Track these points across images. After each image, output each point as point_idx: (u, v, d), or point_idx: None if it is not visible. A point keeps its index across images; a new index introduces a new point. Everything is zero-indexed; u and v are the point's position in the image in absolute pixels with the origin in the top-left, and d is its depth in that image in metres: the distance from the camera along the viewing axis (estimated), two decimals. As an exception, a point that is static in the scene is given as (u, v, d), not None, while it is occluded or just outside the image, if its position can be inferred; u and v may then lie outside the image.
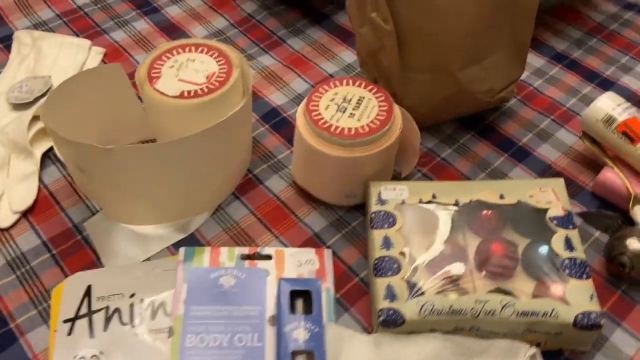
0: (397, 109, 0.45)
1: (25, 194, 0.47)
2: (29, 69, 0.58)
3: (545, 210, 0.42)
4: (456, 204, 0.43)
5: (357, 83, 0.45)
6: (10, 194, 0.47)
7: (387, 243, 0.41)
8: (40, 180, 0.49)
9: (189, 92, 0.45)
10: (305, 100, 0.45)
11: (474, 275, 0.40)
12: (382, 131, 0.42)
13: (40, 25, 0.64)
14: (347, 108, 0.44)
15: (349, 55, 0.62)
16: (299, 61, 0.61)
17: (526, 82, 0.59)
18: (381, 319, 0.37)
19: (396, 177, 0.50)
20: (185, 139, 0.40)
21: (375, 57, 0.49)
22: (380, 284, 0.39)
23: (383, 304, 0.38)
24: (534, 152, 0.53)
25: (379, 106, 0.44)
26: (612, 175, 0.47)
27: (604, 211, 0.46)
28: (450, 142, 0.53)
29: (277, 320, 0.39)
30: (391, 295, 0.38)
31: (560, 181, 0.44)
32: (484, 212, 0.43)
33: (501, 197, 0.43)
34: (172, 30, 0.64)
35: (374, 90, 0.45)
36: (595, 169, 0.51)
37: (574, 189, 0.50)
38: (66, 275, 0.43)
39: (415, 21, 0.44)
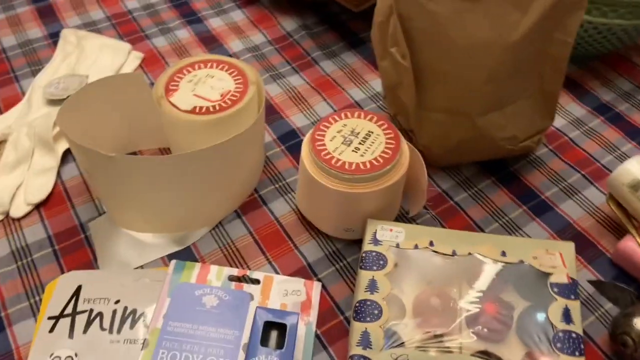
0: (405, 148, 0.43)
1: (41, 188, 0.49)
2: (70, 67, 0.60)
3: (547, 275, 0.39)
4: (453, 254, 0.41)
5: (368, 117, 0.44)
6: (27, 185, 0.49)
7: (372, 286, 0.39)
8: (59, 175, 0.51)
9: (200, 108, 0.45)
10: (314, 128, 0.44)
11: (463, 332, 0.38)
12: (383, 170, 0.41)
13: (89, 25, 0.67)
14: (352, 141, 0.43)
15: (378, 84, 0.61)
16: (327, 85, 0.61)
17: (562, 131, 0.56)
18: (351, 365, 0.36)
19: (404, 215, 0.48)
20: (187, 155, 0.41)
21: (394, 91, 0.48)
22: (357, 329, 0.37)
23: (355, 350, 0.36)
24: (556, 208, 0.50)
25: (386, 143, 0.43)
26: (634, 245, 0.44)
27: (618, 283, 0.43)
28: (467, 186, 0.51)
29: (247, 349, 0.38)
30: (366, 342, 0.37)
31: (570, 246, 0.41)
32: (485, 267, 0.40)
33: (503, 254, 0.41)
34: (210, 42, 0.66)
35: (384, 127, 0.44)
36: (620, 234, 0.47)
37: (592, 254, 0.47)
38: (62, 272, 0.44)
39: (434, 60, 0.43)
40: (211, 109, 0.45)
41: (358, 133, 0.43)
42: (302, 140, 0.55)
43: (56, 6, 0.69)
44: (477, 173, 0.52)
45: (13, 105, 0.57)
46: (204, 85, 0.47)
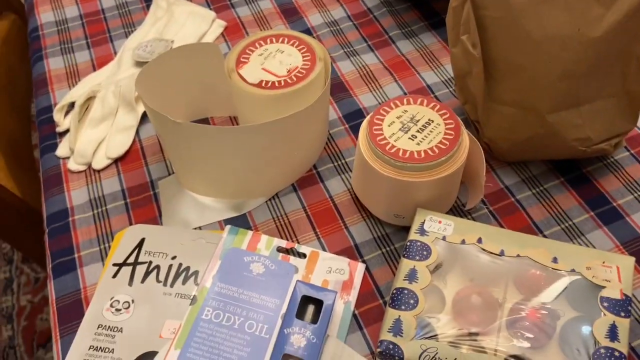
0: (465, 140, 0.42)
1: (121, 144, 0.53)
2: (158, 31, 0.64)
3: (600, 288, 0.38)
4: (501, 254, 0.40)
5: (431, 104, 0.44)
6: (109, 141, 0.54)
7: (412, 275, 0.39)
8: (137, 133, 0.55)
9: (267, 82, 0.46)
10: (374, 111, 0.44)
11: (502, 333, 0.37)
12: (437, 161, 0.40)
13: (181, -9, 0.70)
14: (410, 128, 0.42)
15: (456, 68, 0.59)
16: (401, 65, 0.60)
17: (648, 135, 0.52)
18: (379, 350, 0.37)
19: (459, 208, 0.48)
20: (248, 128, 0.42)
21: (463, 80, 0.46)
22: (391, 315, 0.38)
23: (386, 336, 0.37)
24: (627, 217, 0.47)
25: (445, 134, 0.42)
26: None
27: (682, 307, 0.40)
28: (532, 185, 0.49)
29: (283, 319, 0.40)
30: (397, 329, 0.37)
31: (630, 260, 0.38)
32: (533, 271, 0.39)
33: (554, 260, 0.39)
34: (291, 14, 0.66)
35: (446, 116, 0.43)
36: (696, 254, 0.44)
37: (658, 272, 0.44)
38: (131, 224, 0.48)
39: (506, 52, 0.41)
40: (277, 84, 0.46)
41: (418, 120, 0.43)
42: (367, 120, 0.55)
43: (153, -29, 0.72)
44: (545, 171, 0.50)
45: (106, 64, 0.62)
46: (273, 59, 0.48)
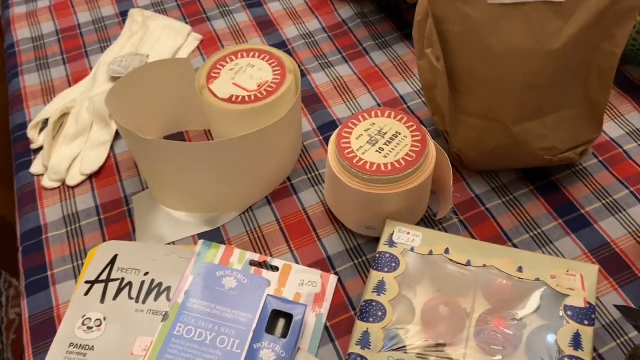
0: (432, 151, 0.43)
1: (95, 160, 0.54)
2: (134, 45, 0.64)
3: (563, 296, 0.38)
4: (467, 264, 0.40)
5: (398, 117, 0.44)
6: (83, 157, 0.54)
7: (380, 287, 0.40)
8: (111, 148, 0.55)
9: (237, 97, 0.47)
10: (342, 124, 0.45)
11: (469, 343, 0.38)
12: (404, 172, 0.41)
13: (157, 5, 0.70)
14: (378, 141, 0.43)
15: (428, 78, 0.60)
16: (374, 76, 0.60)
17: (616, 142, 0.53)
18: (347, 362, 0.37)
19: (430, 218, 0.48)
20: (219, 143, 0.43)
21: (431, 91, 0.47)
22: (359, 327, 0.38)
23: (354, 348, 0.37)
24: (595, 224, 0.47)
25: (412, 145, 0.42)
26: (670, 274, 0.41)
27: (646, 312, 0.41)
28: (502, 193, 0.50)
29: (253, 334, 0.40)
30: (365, 341, 0.37)
31: (594, 268, 0.39)
32: (499, 280, 0.40)
33: (519, 269, 0.40)
34: (266, 26, 0.67)
35: (412, 128, 0.43)
36: (661, 260, 0.44)
37: (628, 277, 0.44)
38: (104, 240, 0.49)
39: (469, 64, 0.41)
40: (247, 99, 0.47)
41: (385, 133, 0.43)
42: (341, 131, 0.56)
43: (129, -15, 0.73)
44: (515, 180, 0.51)
45: (81, 79, 0.62)
46: (243, 74, 0.49)
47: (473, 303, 0.39)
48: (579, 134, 0.45)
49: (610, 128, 0.54)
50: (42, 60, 0.65)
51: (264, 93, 0.47)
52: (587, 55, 0.40)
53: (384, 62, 0.62)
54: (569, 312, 0.37)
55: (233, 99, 0.47)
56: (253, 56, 0.50)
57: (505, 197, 0.50)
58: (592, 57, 0.40)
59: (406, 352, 0.37)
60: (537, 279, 0.39)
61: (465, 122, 0.45)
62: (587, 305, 0.37)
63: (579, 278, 0.39)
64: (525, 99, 0.41)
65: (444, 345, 0.37)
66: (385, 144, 0.43)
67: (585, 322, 0.37)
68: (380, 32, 0.65)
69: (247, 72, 0.49)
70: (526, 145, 0.44)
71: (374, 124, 0.44)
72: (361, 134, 0.43)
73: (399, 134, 0.43)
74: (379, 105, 0.58)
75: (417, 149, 0.42)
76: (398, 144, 0.42)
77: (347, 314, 0.43)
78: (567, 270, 0.39)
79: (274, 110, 0.47)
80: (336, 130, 0.45)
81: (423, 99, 0.58)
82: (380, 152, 0.42)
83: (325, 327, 0.43)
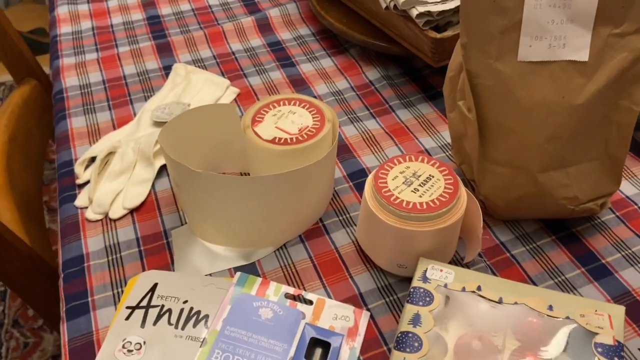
0: (463, 195, 0.46)
1: (138, 195, 0.56)
2: (176, 96, 0.69)
3: (593, 334, 0.40)
4: (499, 301, 0.42)
5: (431, 162, 0.47)
6: (126, 192, 0.57)
7: (416, 320, 0.41)
8: (153, 186, 0.58)
9: (279, 139, 0.50)
10: (379, 166, 0.48)
11: (501, 379, 0.39)
12: (439, 212, 0.44)
13: (198, 62, 0.76)
14: (413, 182, 0.46)
15: (449, 134, 0.64)
16: (400, 131, 0.65)
17: (631, 199, 0.56)
18: (385, 390, 0.38)
19: (458, 261, 0.50)
20: (263, 178, 0.46)
21: (460, 142, 0.50)
22: (396, 358, 0.39)
23: (391, 376, 0.38)
24: (616, 274, 0.49)
25: (445, 188, 0.45)
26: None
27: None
28: (526, 241, 0.52)
29: (292, 361, 0.41)
30: (402, 370, 0.39)
31: (621, 309, 0.41)
32: (529, 319, 0.41)
33: (550, 308, 0.41)
34: (298, 84, 0.72)
35: (445, 172, 0.47)
36: (683, 308, 0.46)
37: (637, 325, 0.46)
38: (144, 270, 0.50)
39: (498, 116, 0.45)
40: (289, 141, 0.50)
41: (419, 176, 0.46)
42: (370, 180, 0.59)
43: (173, 43, 0.79)
44: (538, 230, 0.53)
45: (125, 123, 0.66)
46: (285, 119, 0.52)
47: (504, 340, 0.41)
48: (600, 186, 0.48)
49: (625, 186, 0.57)
50: (89, 106, 0.69)
51: (305, 137, 0.51)
52: (607, 111, 0.44)
53: (409, 119, 0.66)
54: (599, 349, 0.39)
55: (276, 140, 0.50)
56: (295, 104, 0.54)
57: (529, 245, 0.52)
58: (612, 114, 0.44)
59: (442, 383, 0.38)
60: (568, 318, 0.41)
61: (493, 171, 0.48)
62: (617, 343, 0.39)
63: (607, 318, 0.40)
64: (551, 149, 0.45)
65: (478, 378, 0.39)
66: (420, 185, 0.46)
67: (616, 358, 0.38)
68: (405, 93, 0.70)
69: (289, 118, 0.53)
70: (550, 195, 0.47)
71: (408, 167, 0.47)
72: (397, 176, 0.46)
73: (433, 176, 0.46)
74: (406, 157, 0.61)
75: (450, 191, 0.45)
76: (432, 185, 0.45)
77: (380, 349, 0.45)
78: (596, 310, 0.41)
79: (313, 153, 0.51)
80: (373, 172, 0.48)
81: (447, 153, 0.61)
82: (415, 192, 0.45)
83: (359, 361, 0.44)
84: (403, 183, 0.46)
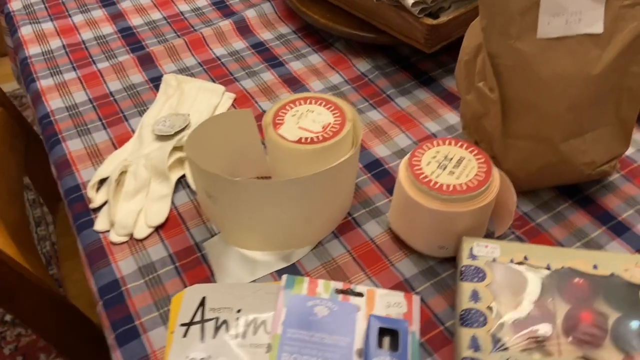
0: (495, 172, 0.48)
1: (159, 212, 0.55)
2: (172, 107, 0.67)
3: (638, 287, 0.43)
4: (547, 268, 0.44)
5: (458, 144, 0.49)
6: (147, 210, 0.55)
7: (475, 296, 0.43)
8: (172, 202, 0.57)
9: (306, 138, 0.51)
10: (408, 155, 0.49)
11: (560, 339, 0.41)
12: (478, 190, 0.45)
13: (184, 71, 0.74)
14: (447, 166, 0.47)
15: (452, 117, 0.66)
16: (404, 119, 0.66)
17: (631, 158, 0.60)
18: (463, 366, 0.39)
19: (489, 236, 0.52)
20: (300, 179, 0.46)
21: (478, 121, 0.52)
22: (465, 334, 0.41)
23: (467, 352, 0.40)
24: (634, 228, 0.53)
25: (478, 167, 0.47)
26: None
27: None
28: (547, 209, 0.55)
29: (364, 353, 0.42)
30: (475, 345, 0.40)
31: (658, 259, 0.44)
32: (576, 280, 0.44)
33: (594, 267, 0.44)
34: (292, 83, 0.72)
35: (474, 152, 0.48)
36: (699, 252, 0.50)
37: (674, 270, 0.49)
38: (185, 286, 0.50)
39: (520, 92, 0.47)
40: (315, 139, 0.51)
41: (451, 158, 0.48)
42: (386, 169, 0.60)
43: (154, 54, 0.77)
44: (555, 197, 0.56)
45: (125, 141, 0.64)
46: (306, 119, 0.53)
47: (554, 303, 0.43)
48: (613, 149, 0.51)
49: (622, 147, 0.61)
50: (82, 127, 0.66)
51: (330, 134, 0.51)
52: (620, 78, 0.47)
53: (409, 106, 0.68)
54: (648, 298, 0.42)
55: (302, 140, 0.51)
56: (311, 103, 0.54)
57: (551, 212, 0.55)
58: (624, 80, 0.47)
59: (511, 351, 0.40)
60: (612, 274, 0.43)
61: (515, 145, 0.51)
62: (662, 291, 0.42)
63: (648, 268, 0.43)
64: (571, 119, 0.47)
65: (542, 341, 0.41)
66: (454, 167, 0.47)
67: (664, 305, 0.41)
68: (398, 82, 0.72)
69: (309, 117, 0.53)
70: (570, 162, 0.50)
71: (438, 151, 0.49)
72: (430, 161, 0.48)
73: (464, 158, 0.48)
74: (415, 143, 0.63)
75: (484, 169, 0.47)
76: (466, 167, 0.47)
77: (437, 329, 0.46)
78: (637, 263, 0.44)
79: (340, 149, 0.51)
80: (404, 161, 0.49)
81: (455, 135, 0.63)
82: (452, 175, 0.47)
83: (420, 344, 0.45)
84: (438, 167, 0.47)
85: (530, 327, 0.41)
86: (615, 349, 0.40)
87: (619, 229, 0.53)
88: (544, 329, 0.41)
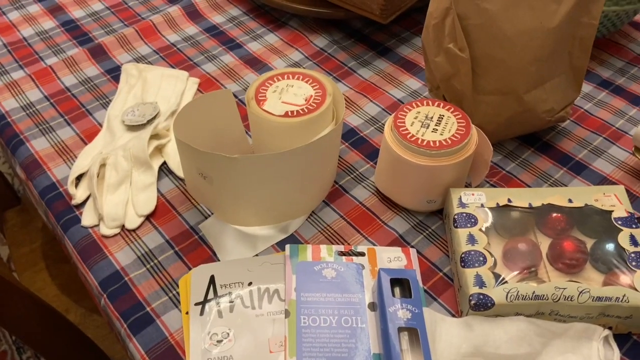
0: (474, 126, 0.51)
1: (147, 201, 0.55)
2: (137, 97, 0.66)
3: (610, 212, 0.48)
4: (529, 207, 0.49)
5: (436, 104, 0.52)
6: (134, 201, 0.55)
7: (472, 240, 0.47)
8: (157, 190, 0.57)
9: (292, 112, 0.52)
10: (392, 118, 0.52)
11: (547, 268, 0.46)
12: (462, 144, 0.49)
13: (140, 60, 0.73)
14: (430, 124, 0.50)
15: (413, 83, 0.69)
16: (369, 88, 0.69)
17: (578, 105, 0.66)
18: (473, 302, 0.43)
19: (467, 187, 0.56)
20: (295, 150, 0.47)
21: (448, 82, 0.56)
22: (469, 274, 0.44)
23: (473, 289, 0.43)
24: (590, 166, 0.59)
25: (458, 123, 0.51)
26: (666, 184, 0.53)
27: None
28: (513, 158, 0.60)
29: (379, 304, 0.44)
30: (480, 282, 0.44)
31: (621, 188, 0.49)
32: (554, 214, 0.49)
33: (569, 201, 0.49)
34: (254, 63, 0.73)
35: (451, 110, 0.52)
36: (648, 180, 0.57)
37: (630, 198, 0.56)
38: (189, 268, 0.50)
39: (488, 50, 0.51)
40: (301, 112, 0.52)
41: (432, 117, 0.51)
42: (361, 136, 0.63)
43: (105, 45, 0.74)
44: (518, 146, 0.61)
45: (93, 135, 0.63)
46: (287, 93, 0.54)
47: (536, 236, 0.48)
48: (567, 95, 0.56)
49: (568, 96, 0.67)
50: (43, 125, 0.64)
51: (314, 105, 0.53)
52: (573, 29, 0.52)
53: (372, 76, 0.71)
54: (619, 222, 0.47)
55: (289, 114, 0.52)
56: (288, 78, 0.56)
57: (517, 160, 0.60)
58: (576, 30, 0.52)
59: (510, 283, 0.44)
60: (586, 205, 0.48)
61: (484, 101, 0.55)
62: (629, 214, 0.47)
63: (614, 197, 0.49)
64: (533, 71, 0.52)
65: (535, 272, 0.45)
66: (436, 125, 0.50)
67: (633, 225, 0.47)
68: (357, 54, 0.74)
69: (290, 92, 0.54)
70: (534, 110, 0.55)
71: (419, 112, 0.52)
72: (413, 122, 0.51)
73: (444, 116, 0.51)
74: (384, 110, 0.66)
75: (463, 124, 0.50)
76: (447, 123, 0.50)
77: (437, 276, 0.50)
78: (604, 193, 0.49)
79: (324, 119, 0.53)
80: (388, 123, 0.52)
81: (420, 97, 0.67)
82: (435, 132, 0.50)
83: (424, 291, 0.48)
84: (421, 126, 0.50)
85: (520, 261, 0.46)
86: (595, 270, 0.45)
87: (578, 168, 0.59)
88: (533, 260, 0.46)
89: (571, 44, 0.53)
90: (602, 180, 0.57)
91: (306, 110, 0.52)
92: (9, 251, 0.98)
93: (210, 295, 0.46)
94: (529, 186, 0.57)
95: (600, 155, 0.60)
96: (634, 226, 0.47)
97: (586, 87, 0.68)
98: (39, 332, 0.62)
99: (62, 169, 0.59)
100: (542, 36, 0.50)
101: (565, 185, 0.57)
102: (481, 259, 0.45)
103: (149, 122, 0.62)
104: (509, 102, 0.54)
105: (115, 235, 0.53)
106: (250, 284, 0.47)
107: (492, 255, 0.46)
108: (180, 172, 0.58)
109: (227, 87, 0.69)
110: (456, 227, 0.48)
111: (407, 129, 0.50)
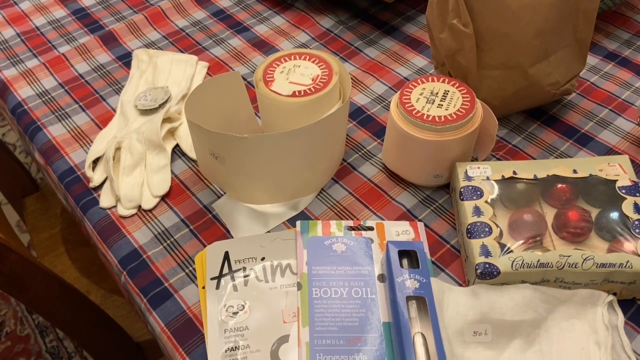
0: (478, 101, 0.52)
1: (162, 182, 0.56)
2: (148, 82, 0.68)
3: (614, 182, 0.49)
4: (535, 178, 0.50)
5: (441, 79, 0.53)
6: (149, 182, 0.56)
7: (477, 211, 0.48)
8: (171, 171, 0.58)
9: (299, 91, 0.53)
10: (397, 95, 0.53)
11: (553, 237, 0.47)
12: (467, 118, 0.50)
13: (150, 45, 0.74)
14: (435, 100, 0.51)
15: (419, 60, 0.70)
16: (376, 67, 0.69)
17: (583, 77, 0.66)
18: (479, 271, 0.44)
19: (474, 161, 0.57)
20: (304, 128, 0.49)
21: (453, 58, 0.56)
22: (475, 244, 0.46)
23: (479, 259, 0.45)
24: (596, 138, 0.59)
25: (462, 97, 0.51)
26: (671, 153, 0.53)
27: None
28: (519, 131, 0.60)
29: (387, 275, 0.46)
30: (486, 252, 0.45)
31: (626, 157, 0.50)
32: (559, 185, 0.49)
33: (574, 171, 0.50)
34: (262, 46, 0.74)
35: (456, 85, 0.53)
36: (654, 150, 0.57)
37: (634, 168, 0.56)
38: (204, 245, 0.52)
39: (492, 24, 0.52)
40: (308, 91, 0.53)
41: (437, 93, 0.52)
42: (368, 115, 0.64)
43: (116, 32, 0.76)
44: (524, 120, 0.62)
45: (108, 120, 0.64)
46: (294, 74, 0.55)
47: (541, 206, 0.49)
48: (572, 68, 0.57)
49: (575, 69, 0.67)
50: (59, 112, 0.66)
51: (321, 84, 0.54)
52: (576, 1, 0.52)
53: (378, 55, 0.71)
54: (623, 191, 0.48)
55: (297, 93, 0.53)
56: (295, 59, 0.57)
57: (522, 133, 0.60)
58: (580, 3, 0.52)
59: (515, 253, 0.45)
60: (590, 175, 0.49)
61: (489, 75, 0.55)
62: (633, 183, 0.48)
63: (618, 166, 0.49)
64: (537, 44, 0.52)
65: (540, 241, 0.46)
66: (441, 100, 0.51)
67: (637, 194, 0.47)
68: (363, 33, 0.75)
69: (297, 72, 0.55)
70: (539, 84, 0.55)
71: (424, 88, 0.53)
72: (418, 98, 0.52)
73: (448, 91, 0.52)
74: (390, 88, 0.67)
75: (468, 99, 0.51)
76: (452, 99, 0.51)
77: (444, 248, 0.51)
78: (608, 163, 0.50)
79: (332, 98, 0.54)
80: (394, 100, 0.53)
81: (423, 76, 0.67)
82: (441, 107, 0.51)
83: (432, 262, 0.50)
84: (427, 102, 0.51)
85: (526, 230, 0.47)
86: (599, 239, 0.46)
87: (584, 140, 0.59)
88: (538, 230, 0.47)
89: (575, 17, 0.53)
90: (608, 151, 0.58)
91: (313, 90, 0.53)
92: (30, 237, 1.01)
93: (225, 270, 0.48)
94: (535, 159, 0.58)
95: (607, 127, 0.60)
96: (637, 194, 0.47)
97: (592, 60, 0.68)
98: (62, 310, 0.64)
99: (79, 154, 0.61)
100: (546, 9, 0.50)
101: (571, 157, 0.58)
102: (487, 229, 0.46)
103: (161, 106, 0.63)
104: (513, 76, 0.55)
105: (133, 215, 0.54)
106: (263, 259, 0.49)
107: (497, 226, 0.47)
108: (192, 154, 0.59)
109: (235, 69, 0.71)
110: (462, 199, 0.49)
111: (412, 105, 0.51)
